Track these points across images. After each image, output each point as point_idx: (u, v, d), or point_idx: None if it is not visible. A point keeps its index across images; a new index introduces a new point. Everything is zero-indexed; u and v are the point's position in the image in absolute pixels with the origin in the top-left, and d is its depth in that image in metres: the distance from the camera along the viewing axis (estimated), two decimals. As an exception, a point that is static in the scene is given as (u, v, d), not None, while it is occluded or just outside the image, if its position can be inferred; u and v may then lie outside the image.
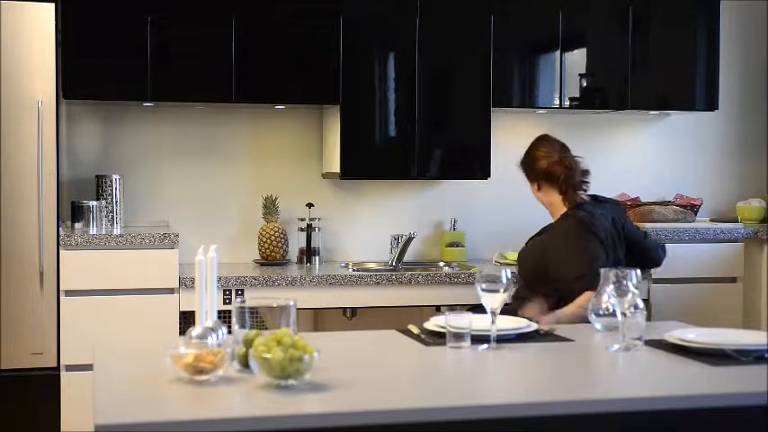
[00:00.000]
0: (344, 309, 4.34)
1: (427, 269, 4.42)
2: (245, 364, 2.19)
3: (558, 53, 4.57)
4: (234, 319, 2.32)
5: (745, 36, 5.11)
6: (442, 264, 4.62)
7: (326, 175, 4.59)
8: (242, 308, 2.30)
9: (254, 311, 2.35)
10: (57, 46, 3.92)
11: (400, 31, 4.40)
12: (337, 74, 4.30)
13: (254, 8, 4.25)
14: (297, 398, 2.01)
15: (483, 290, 2.57)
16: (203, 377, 2.13)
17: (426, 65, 4.41)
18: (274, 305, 2.31)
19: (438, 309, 4.25)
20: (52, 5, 3.88)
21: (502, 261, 4.60)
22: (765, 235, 4.55)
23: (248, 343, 2.20)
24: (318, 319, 4.57)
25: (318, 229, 4.54)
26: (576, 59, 4.64)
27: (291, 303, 2.31)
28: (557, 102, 4.61)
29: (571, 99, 4.63)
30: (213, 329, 2.40)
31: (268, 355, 2.06)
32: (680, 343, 2.52)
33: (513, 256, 4.60)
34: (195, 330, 2.39)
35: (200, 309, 2.44)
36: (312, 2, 4.33)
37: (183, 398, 2.04)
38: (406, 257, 4.56)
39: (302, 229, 4.53)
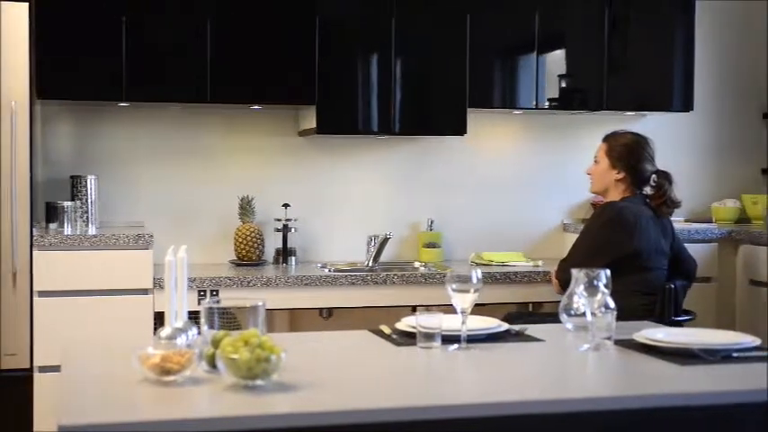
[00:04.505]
0: (321, 309, 4.34)
1: (403, 269, 4.43)
2: (213, 364, 2.18)
3: (534, 54, 4.59)
4: (202, 320, 2.31)
5: (721, 37, 5.14)
6: (418, 264, 4.63)
7: (302, 132, 4.58)
8: (210, 308, 2.29)
9: (226, 312, 2.34)
10: (30, 46, 3.90)
11: (376, 32, 4.41)
12: (313, 74, 4.30)
13: (229, 8, 4.25)
14: (264, 398, 2.01)
15: (453, 290, 2.57)
16: (170, 378, 2.12)
17: (403, 65, 4.41)
18: (244, 305, 2.31)
19: (414, 309, 4.25)
20: (26, 5, 3.86)
21: (478, 261, 4.61)
22: (739, 235, 4.58)
23: (216, 343, 2.19)
24: (295, 320, 4.57)
25: (295, 230, 4.54)
26: (553, 60, 4.66)
27: (260, 304, 2.30)
28: (533, 103, 4.62)
29: (548, 100, 4.64)
30: (183, 330, 2.40)
31: (235, 356, 2.05)
32: (649, 342, 2.53)
33: (489, 256, 4.62)
34: (164, 331, 2.39)
35: (169, 309, 2.44)
36: (288, 2, 4.33)
37: (149, 398, 2.03)
38: (383, 258, 4.56)
39: (278, 230, 4.52)
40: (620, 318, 2.79)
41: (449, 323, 2.60)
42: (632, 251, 3.70)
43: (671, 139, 5.04)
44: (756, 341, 2.52)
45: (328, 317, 4.40)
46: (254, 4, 4.29)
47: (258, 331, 2.19)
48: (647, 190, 3.88)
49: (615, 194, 3.87)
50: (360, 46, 4.43)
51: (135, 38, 4.12)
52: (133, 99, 4.20)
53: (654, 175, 3.87)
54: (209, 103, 4.30)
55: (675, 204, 3.87)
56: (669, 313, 3.70)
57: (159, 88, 4.21)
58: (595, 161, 3.95)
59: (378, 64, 4.42)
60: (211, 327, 2.30)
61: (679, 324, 3.71)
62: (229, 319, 2.36)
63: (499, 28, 4.57)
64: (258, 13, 4.28)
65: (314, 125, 4.33)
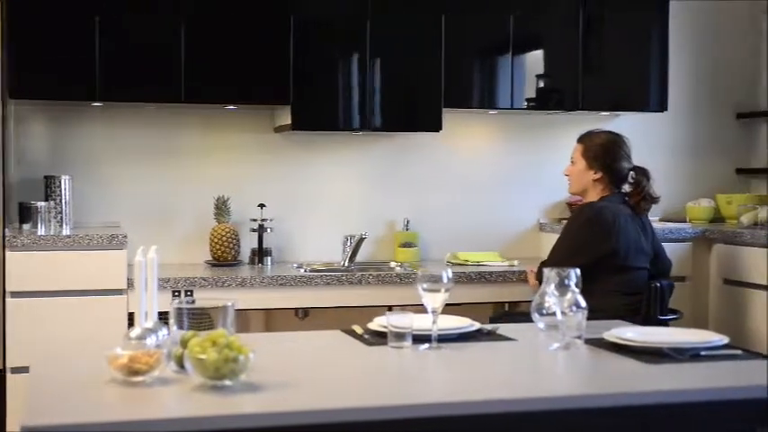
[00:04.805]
0: (296, 309, 4.34)
1: (379, 269, 4.43)
2: (181, 365, 2.18)
3: (509, 54, 4.60)
4: (171, 320, 2.31)
5: (695, 37, 5.17)
6: (394, 264, 4.63)
7: (278, 128, 4.55)
8: (179, 309, 2.29)
9: (196, 313, 2.34)
10: (2, 45, 3.88)
11: (352, 32, 4.41)
12: (288, 74, 4.29)
13: (203, 8, 4.24)
14: (231, 398, 2.01)
15: (424, 289, 2.58)
16: (138, 378, 2.12)
17: (379, 65, 4.41)
18: (213, 306, 2.31)
19: (390, 309, 4.25)
20: (-2, 4, 3.85)
21: (454, 261, 4.61)
22: (713, 235, 4.61)
23: (185, 344, 2.19)
24: (270, 320, 4.56)
25: (271, 230, 4.54)
26: (529, 61, 4.68)
27: (229, 304, 2.30)
28: (508, 103, 4.63)
29: (524, 100, 4.66)
30: (153, 331, 2.40)
31: (202, 356, 2.05)
32: (618, 341, 2.54)
33: (464, 255, 4.63)
34: (134, 331, 2.39)
35: (139, 310, 2.44)
36: (262, 2, 4.32)
37: (116, 399, 2.02)
38: (360, 258, 4.56)
39: (254, 230, 4.52)
40: (602, 318, 2.81)
41: (420, 323, 2.60)
42: (612, 251, 3.71)
43: (646, 139, 5.06)
44: (724, 340, 2.53)
45: (304, 317, 4.39)
46: (229, 3, 4.28)
47: (227, 331, 2.19)
48: (626, 188, 3.90)
49: (594, 194, 3.89)
50: (335, 46, 4.43)
51: (108, 38, 4.11)
52: (107, 99, 4.19)
53: (631, 173, 3.88)
54: (183, 104, 4.29)
55: (654, 200, 3.88)
56: (655, 312, 3.72)
57: (133, 88, 4.19)
58: (572, 162, 3.96)
59: (353, 64, 4.41)
60: (180, 327, 2.30)
61: (666, 323, 3.73)
62: (200, 320, 2.35)
63: (474, 29, 4.57)
64: (233, 13, 4.27)
65: (289, 122, 4.33)
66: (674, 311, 3.92)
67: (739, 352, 2.49)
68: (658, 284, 3.75)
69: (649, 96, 4.85)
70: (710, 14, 5.20)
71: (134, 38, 4.18)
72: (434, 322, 2.58)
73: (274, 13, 4.30)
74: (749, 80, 5.26)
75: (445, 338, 2.63)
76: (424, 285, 2.57)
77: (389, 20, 4.43)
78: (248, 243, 4.54)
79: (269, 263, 4.49)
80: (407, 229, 4.76)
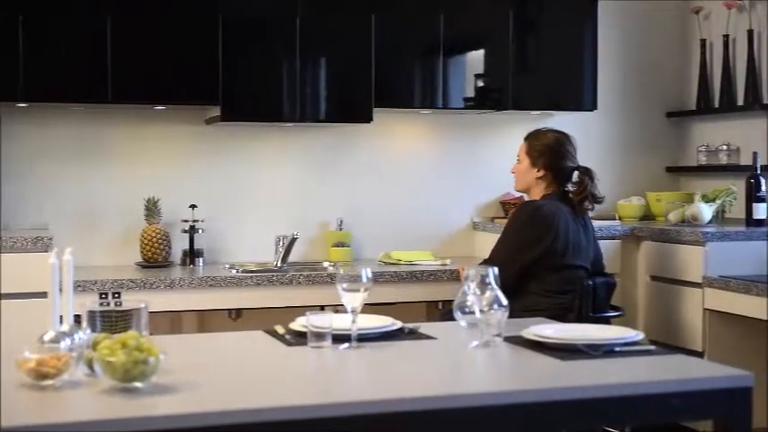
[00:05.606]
0: (229, 310, 4.31)
1: (312, 269, 4.42)
2: (92, 367, 2.16)
3: (440, 54, 4.62)
4: (84, 323, 2.28)
5: (625, 36, 5.24)
6: (327, 264, 4.63)
7: (209, 120, 4.52)
8: (91, 312, 2.27)
9: (114, 315, 2.32)
10: (-77, 45, 3.81)
11: (280, 31, 4.39)
12: (217, 74, 4.27)
13: (130, 6, 4.19)
14: (140, 400, 1.99)
15: (344, 289, 2.58)
16: (47, 382, 2.09)
17: (308, 64, 4.41)
18: (126, 308, 2.29)
19: (322, 308, 4.24)
20: None
21: (387, 261, 4.62)
22: (641, 232, 4.67)
23: (96, 346, 2.17)
24: (203, 322, 4.54)
25: (202, 231, 4.51)
26: (459, 61, 4.71)
27: (142, 306, 2.28)
28: (440, 103, 4.65)
29: (458, 99, 4.68)
30: (68, 334, 2.36)
31: (111, 359, 2.04)
32: (536, 339, 2.57)
33: (397, 255, 4.64)
34: (47, 335, 2.35)
35: (53, 313, 2.41)
36: (190, 1, 4.29)
37: (23, 403, 1.99)
38: (293, 258, 4.56)
39: (185, 231, 4.48)
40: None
41: (340, 322, 2.60)
42: (550, 248, 3.73)
43: (577, 137, 5.03)
44: (639, 335, 2.57)
45: (237, 318, 4.37)
46: (156, 3, 4.24)
47: (140, 333, 2.17)
48: (569, 187, 3.93)
49: (537, 192, 3.92)
50: (264, 45, 4.41)
51: (33, 37, 4.05)
52: (31, 100, 4.12)
53: (576, 172, 3.92)
54: (110, 104, 4.24)
55: (597, 200, 3.92)
56: (587, 310, 3.75)
57: (58, 88, 4.13)
58: (518, 160, 3.99)
59: (282, 62, 4.40)
60: (93, 330, 2.28)
61: (606, 321, 3.77)
62: (115, 323, 2.33)
63: (405, 28, 4.59)
64: (160, 13, 4.23)
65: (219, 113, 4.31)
66: (616, 308, 3.97)
67: (653, 347, 2.53)
68: (590, 282, 3.78)
69: (581, 96, 4.90)
70: (640, 14, 5.27)
71: (59, 37, 4.12)
72: (354, 322, 2.58)
73: (203, 12, 4.27)
74: (679, 79, 5.34)
75: (366, 338, 2.63)
76: (344, 285, 2.57)
77: (318, 19, 4.42)
78: (179, 244, 4.51)
79: (200, 264, 4.47)
80: (341, 229, 4.76)
